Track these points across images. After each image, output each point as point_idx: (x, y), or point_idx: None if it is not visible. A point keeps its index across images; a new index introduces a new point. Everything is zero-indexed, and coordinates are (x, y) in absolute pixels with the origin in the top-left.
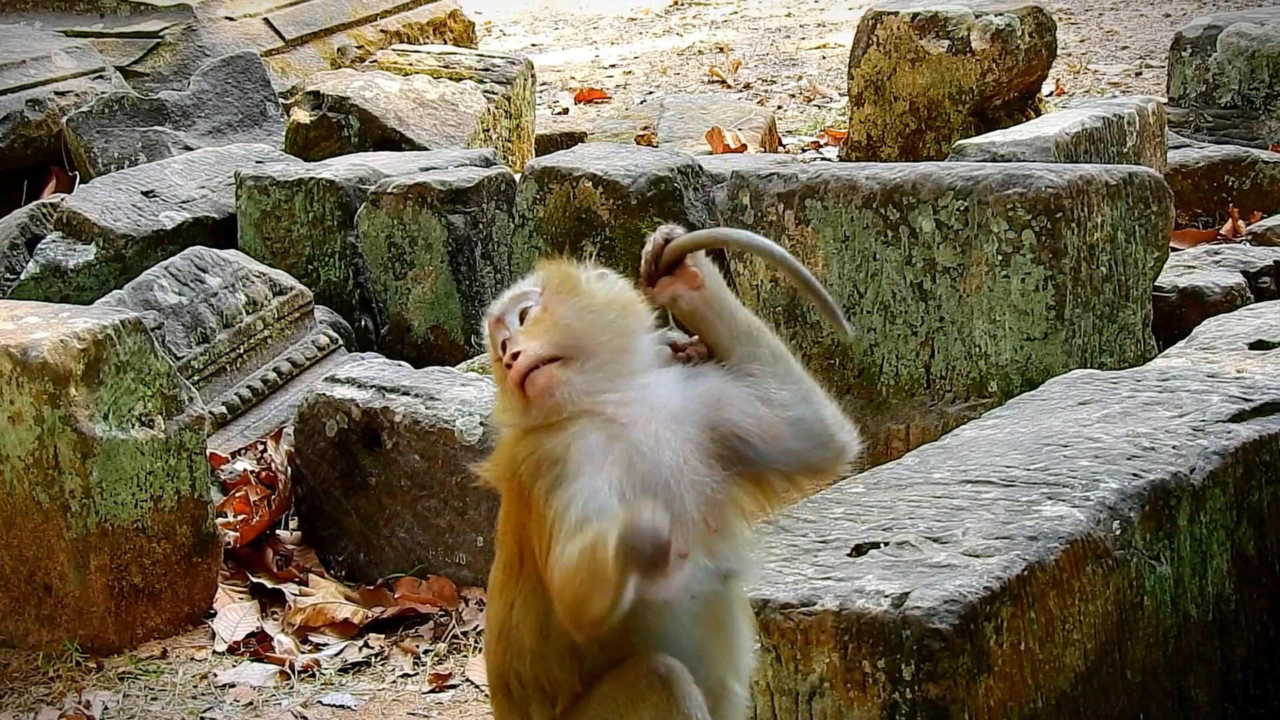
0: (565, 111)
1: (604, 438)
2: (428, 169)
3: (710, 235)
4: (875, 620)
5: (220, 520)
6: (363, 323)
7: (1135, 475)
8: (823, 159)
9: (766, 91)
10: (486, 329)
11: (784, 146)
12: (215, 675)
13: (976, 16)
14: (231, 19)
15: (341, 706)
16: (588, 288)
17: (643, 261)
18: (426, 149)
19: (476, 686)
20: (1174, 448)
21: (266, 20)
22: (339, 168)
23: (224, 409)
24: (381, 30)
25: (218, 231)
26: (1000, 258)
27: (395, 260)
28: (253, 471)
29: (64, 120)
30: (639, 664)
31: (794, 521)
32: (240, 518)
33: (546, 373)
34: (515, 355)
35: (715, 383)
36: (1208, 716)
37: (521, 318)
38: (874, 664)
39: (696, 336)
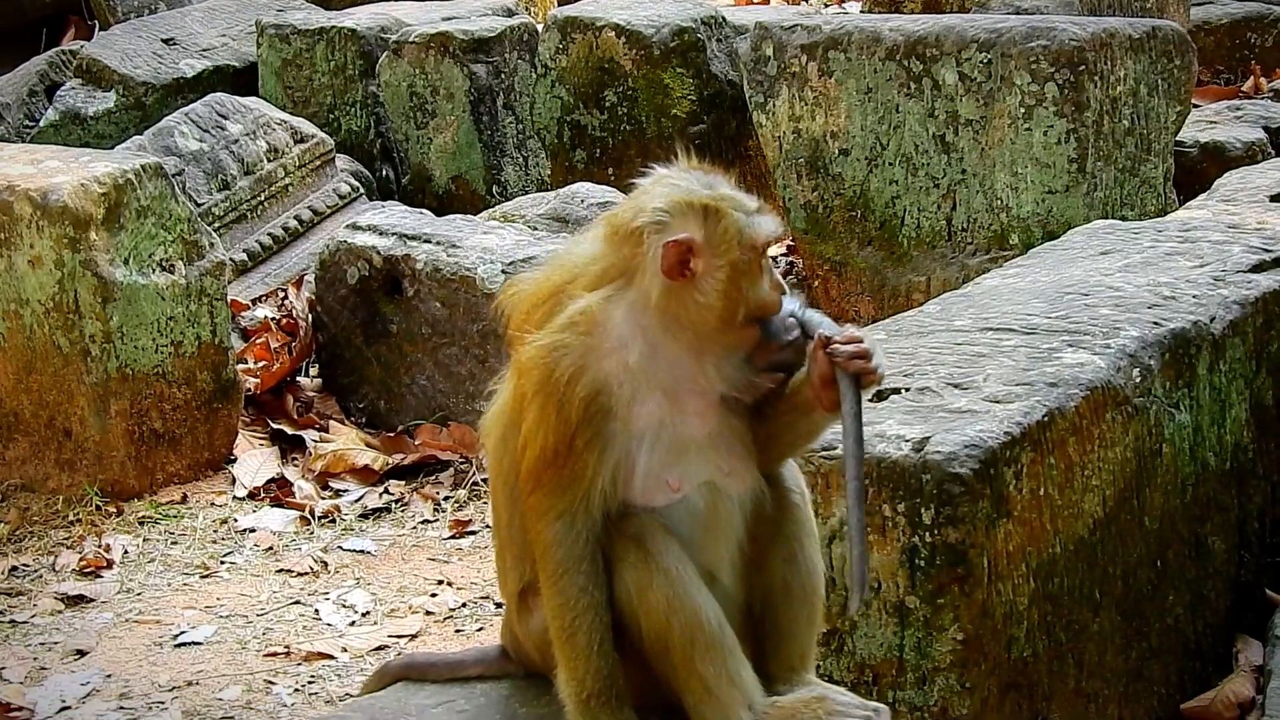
0: None
1: (646, 390)
2: (450, 18)
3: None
4: (896, 464)
5: (241, 367)
6: (384, 172)
7: (1156, 324)
8: (845, 14)
9: None
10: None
11: (807, 1)
12: (235, 520)
13: None
14: None
15: (361, 552)
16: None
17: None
18: None
19: None
20: (1194, 297)
21: None
22: (360, 16)
23: (245, 256)
24: None
25: (238, 80)
26: (1023, 110)
27: (417, 110)
28: (273, 318)
29: None
30: (612, 529)
31: None
32: (261, 364)
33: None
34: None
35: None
36: (1224, 564)
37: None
38: (894, 508)
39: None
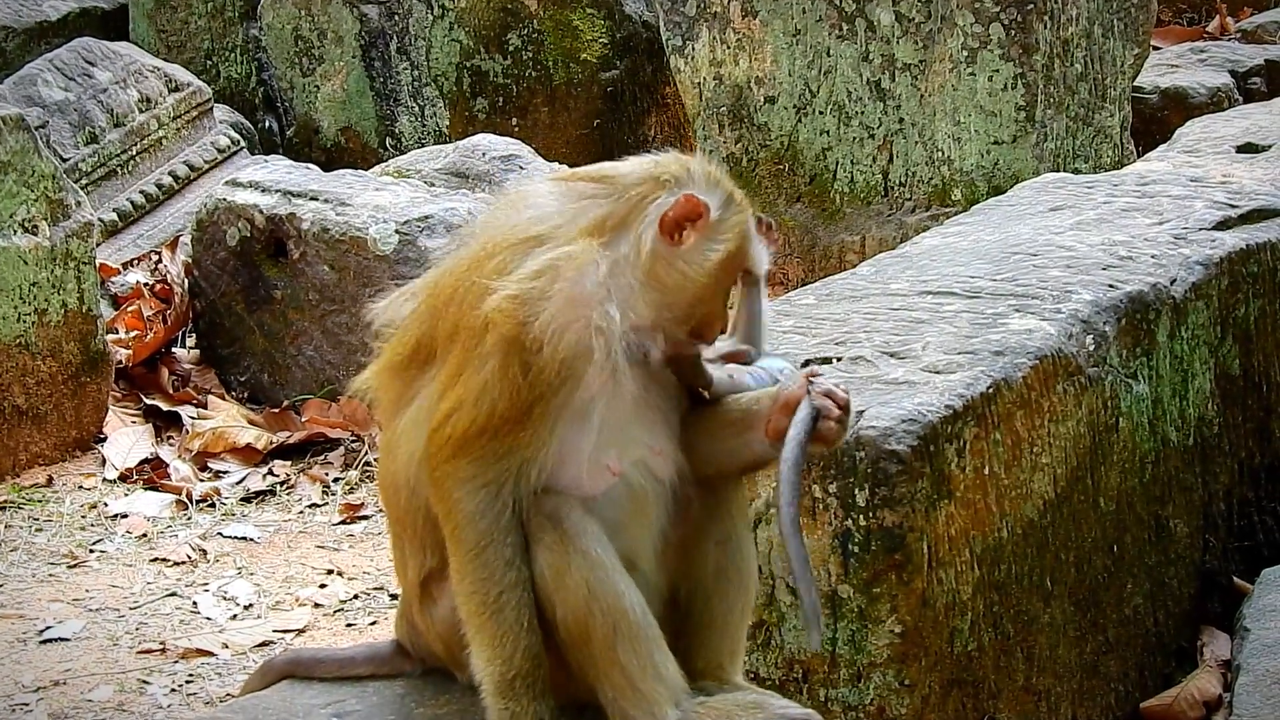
0: None
1: (605, 374)
2: None
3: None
4: None
5: (111, 337)
6: (267, 123)
7: (1111, 286)
8: None
9: None
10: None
11: None
12: (105, 505)
13: None
14: None
15: (244, 539)
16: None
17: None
18: None
19: None
20: (1153, 257)
21: None
22: None
23: (115, 215)
24: None
25: (107, 23)
26: (965, 54)
27: (303, 55)
28: (146, 284)
29: None
30: (527, 510)
31: None
32: (133, 334)
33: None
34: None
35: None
36: (1186, 549)
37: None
38: (825, 489)
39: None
